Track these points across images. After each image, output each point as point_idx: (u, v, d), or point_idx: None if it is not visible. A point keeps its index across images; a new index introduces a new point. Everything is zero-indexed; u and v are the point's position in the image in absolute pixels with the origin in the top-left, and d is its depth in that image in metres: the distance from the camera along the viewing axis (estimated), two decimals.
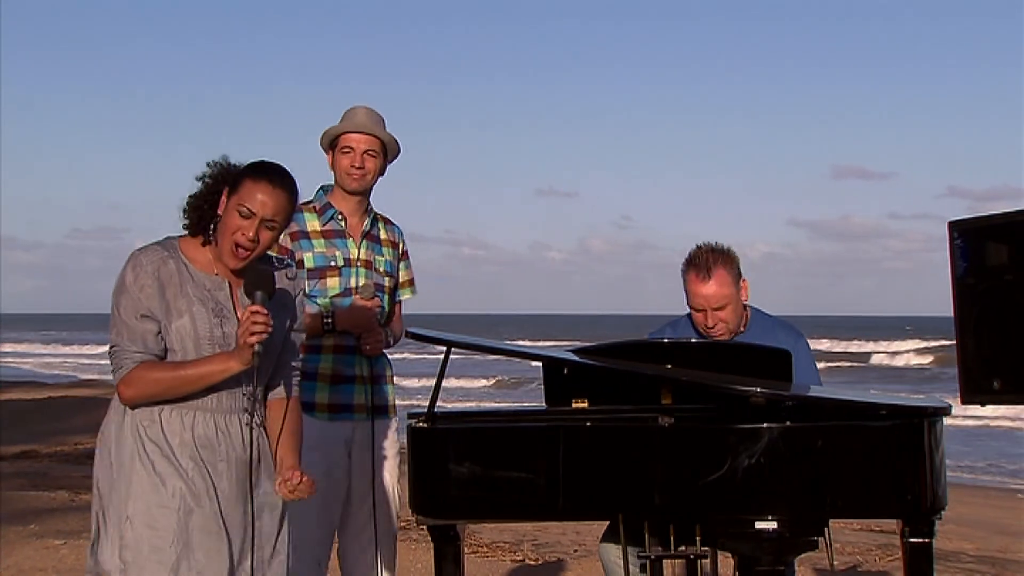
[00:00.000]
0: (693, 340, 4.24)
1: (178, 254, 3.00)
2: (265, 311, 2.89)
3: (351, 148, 3.95)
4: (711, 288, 4.22)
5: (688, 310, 4.41)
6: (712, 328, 4.23)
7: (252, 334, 2.86)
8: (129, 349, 2.90)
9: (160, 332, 2.92)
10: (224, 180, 3.00)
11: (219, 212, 2.98)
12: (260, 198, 2.93)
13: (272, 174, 2.97)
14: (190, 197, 3.03)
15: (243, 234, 2.94)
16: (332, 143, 3.99)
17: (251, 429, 3.01)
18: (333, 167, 4.00)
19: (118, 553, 2.90)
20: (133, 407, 2.94)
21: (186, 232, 3.04)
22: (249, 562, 2.98)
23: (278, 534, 3.07)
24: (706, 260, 4.24)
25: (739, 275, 4.28)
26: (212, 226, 3.00)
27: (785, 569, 3.43)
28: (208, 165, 3.04)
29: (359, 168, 3.95)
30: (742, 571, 3.57)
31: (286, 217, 2.99)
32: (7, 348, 52.13)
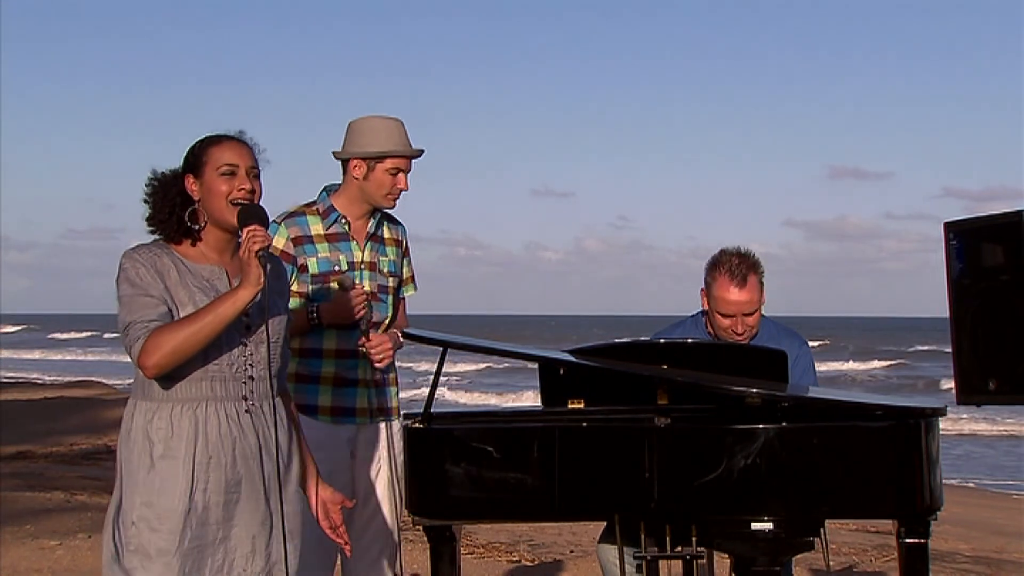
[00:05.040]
0: (689, 340, 4.24)
1: (170, 251, 3.00)
2: (262, 228, 2.92)
3: (399, 170, 3.91)
4: (745, 295, 4.21)
5: (696, 311, 4.42)
6: (741, 334, 4.22)
7: (254, 242, 2.87)
8: (141, 321, 2.87)
9: (169, 311, 2.91)
10: (172, 183, 3.03)
11: (196, 199, 3.00)
12: (233, 154, 3.00)
13: (226, 135, 3.05)
14: (148, 220, 3.04)
15: (239, 189, 2.97)
16: (376, 157, 3.89)
17: (274, 416, 3.00)
18: (365, 178, 3.90)
19: (127, 556, 2.89)
20: (158, 381, 2.91)
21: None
22: (264, 554, 3.00)
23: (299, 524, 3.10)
24: (740, 266, 4.22)
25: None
26: (188, 220, 3.01)
27: (781, 569, 3.44)
28: (145, 186, 3.07)
29: (403, 189, 3.94)
30: (738, 571, 3.58)
31: (258, 165, 3.06)
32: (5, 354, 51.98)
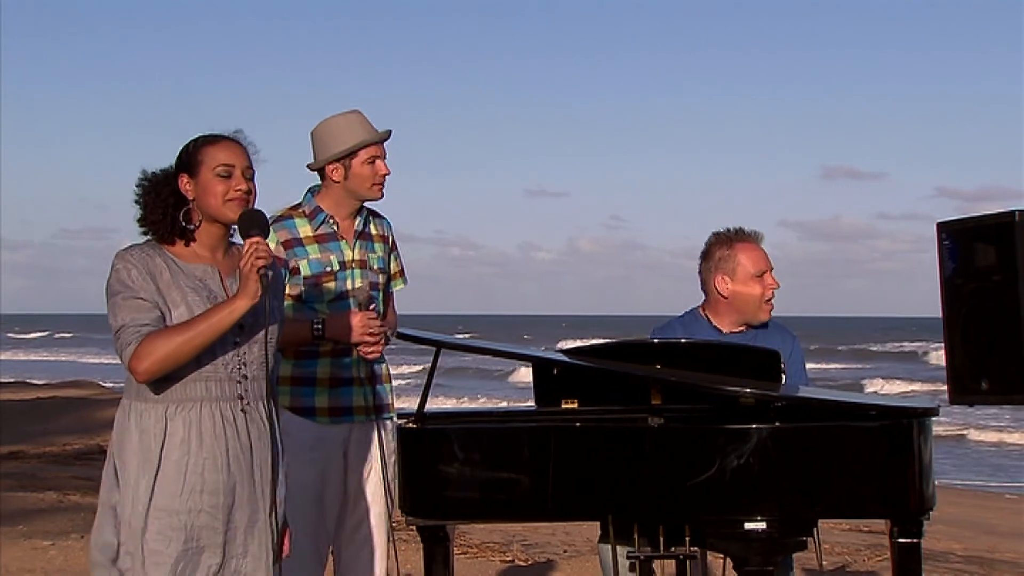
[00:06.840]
0: (683, 340, 4.25)
1: (162, 251, 2.99)
2: (265, 242, 2.91)
3: (375, 157, 3.92)
4: (764, 251, 4.30)
5: (685, 311, 4.41)
6: (771, 289, 4.26)
7: (258, 258, 2.86)
8: (133, 325, 2.86)
9: (161, 315, 2.90)
10: (164, 183, 3.02)
11: (191, 199, 2.99)
12: (228, 154, 2.99)
13: (222, 135, 3.05)
14: (140, 221, 3.03)
15: (236, 189, 2.97)
16: (348, 154, 3.91)
17: (270, 416, 2.99)
18: (346, 178, 3.92)
19: (121, 558, 2.88)
20: (151, 383, 2.90)
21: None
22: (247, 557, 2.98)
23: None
24: (750, 230, 4.32)
25: None
26: (183, 220, 3.00)
27: (775, 569, 3.44)
28: (136, 187, 3.05)
29: (386, 175, 3.95)
30: (737, 571, 3.58)
31: (253, 166, 3.06)
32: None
